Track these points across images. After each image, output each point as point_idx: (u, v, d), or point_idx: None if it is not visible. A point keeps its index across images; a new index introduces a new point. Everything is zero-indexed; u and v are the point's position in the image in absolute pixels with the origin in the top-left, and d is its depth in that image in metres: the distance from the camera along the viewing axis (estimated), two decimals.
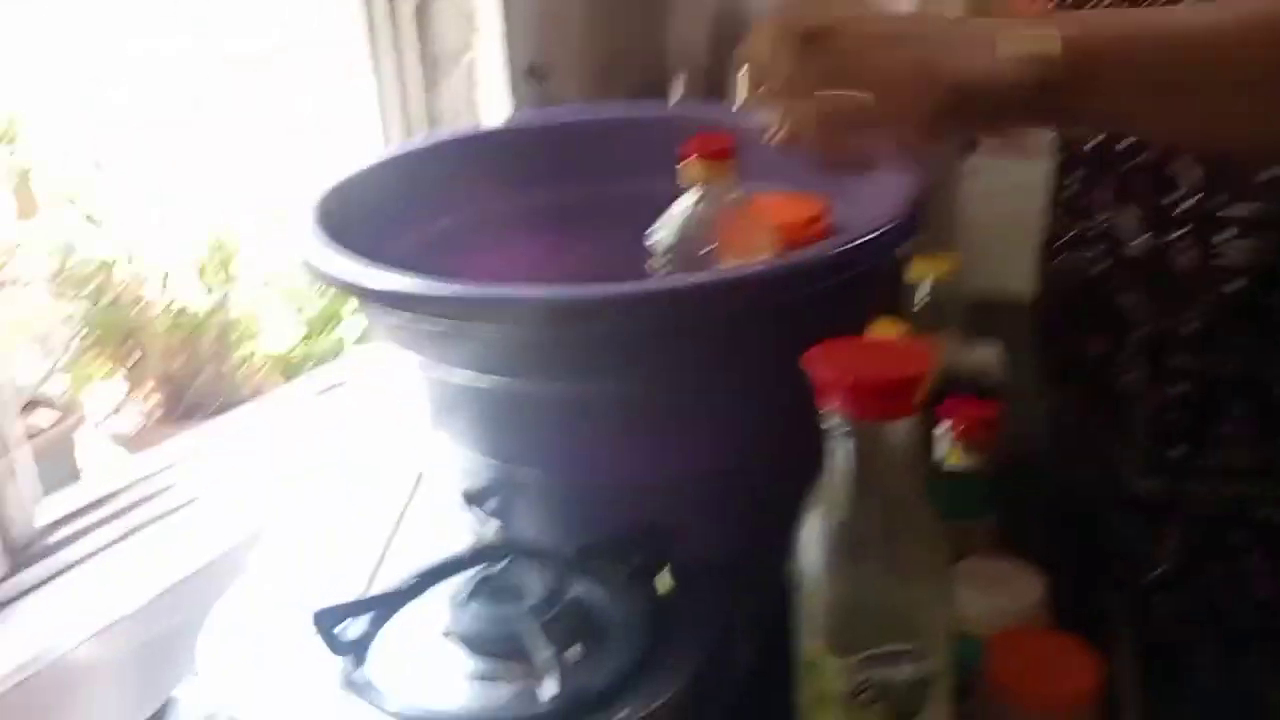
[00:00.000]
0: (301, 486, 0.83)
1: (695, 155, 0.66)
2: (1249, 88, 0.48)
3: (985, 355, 1.15)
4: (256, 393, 1.32)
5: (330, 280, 0.61)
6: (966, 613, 0.61)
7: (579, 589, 0.62)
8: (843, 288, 0.62)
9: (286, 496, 0.81)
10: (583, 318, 0.55)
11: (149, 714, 0.65)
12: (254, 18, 1.25)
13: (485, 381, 0.61)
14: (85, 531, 0.72)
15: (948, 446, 0.92)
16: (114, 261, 1.08)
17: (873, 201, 0.76)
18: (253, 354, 1.30)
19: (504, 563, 0.61)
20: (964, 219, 1.52)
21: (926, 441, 0.94)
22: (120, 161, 1.13)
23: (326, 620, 0.56)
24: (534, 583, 0.60)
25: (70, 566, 0.69)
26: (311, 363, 1.29)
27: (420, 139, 0.89)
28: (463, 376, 0.62)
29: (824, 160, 0.61)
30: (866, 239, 0.60)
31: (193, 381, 1.20)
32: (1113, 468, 0.71)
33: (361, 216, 0.76)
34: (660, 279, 0.59)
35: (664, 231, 0.68)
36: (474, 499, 0.69)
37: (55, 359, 1.11)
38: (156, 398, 1.19)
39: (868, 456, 0.46)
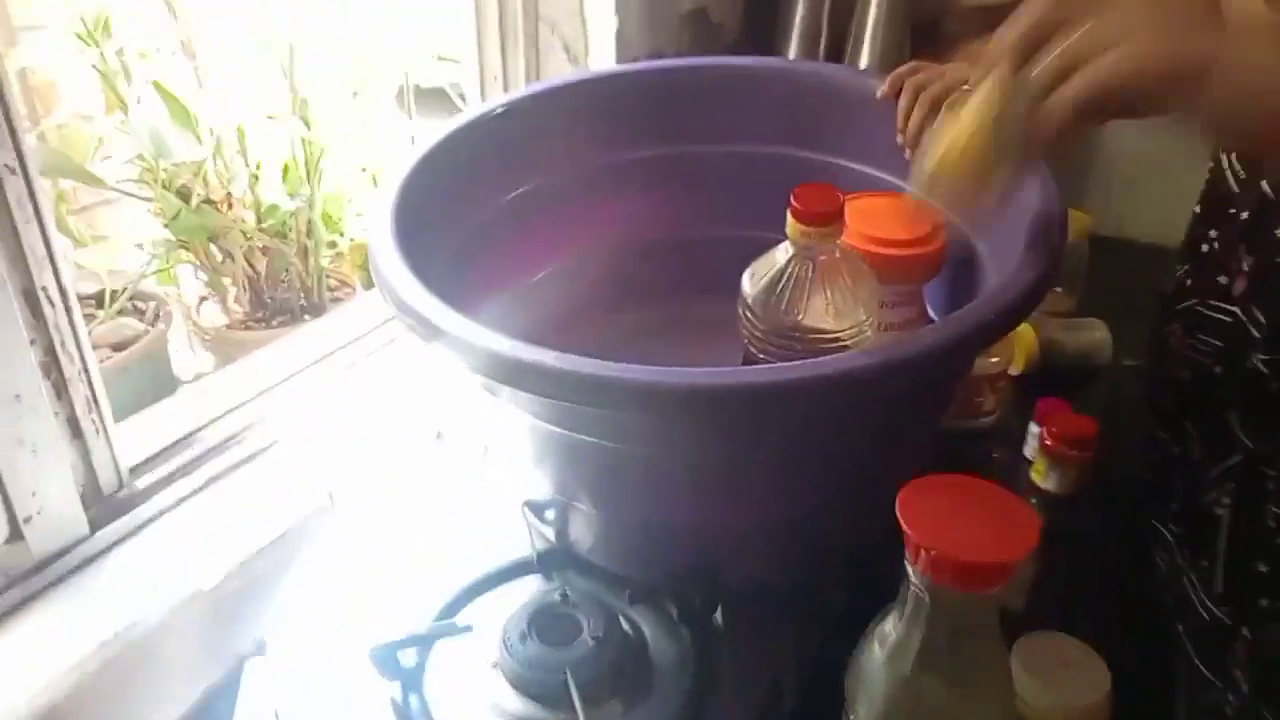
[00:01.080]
0: (373, 440, 0.84)
1: (796, 217, 0.60)
2: None
3: (1093, 335, 1.09)
4: (342, 284, 1.33)
5: (411, 320, 0.57)
6: (1026, 699, 0.60)
7: (631, 629, 0.62)
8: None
9: (359, 450, 0.82)
10: (707, 407, 0.51)
11: (219, 675, 0.69)
12: None
13: (561, 431, 0.59)
14: (168, 481, 0.75)
15: (1035, 454, 0.88)
16: (204, 161, 1.07)
17: (998, 215, 0.70)
18: (335, 244, 1.30)
19: (558, 596, 0.61)
20: (1105, 154, 1.41)
21: (1016, 437, 0.91)
22: (211, 52, 1.10)
23: (381, 654, 0.57)
24: (586, 620, 0.60)
25: (150, 521, 0.72)
26: None
27: (506, 96, 0.84)
28: (532, 418, 0.60)
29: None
30: (1014, 306, 0.55)
31: (277, 281, 1.21)
32: (1185, 574, 0.66)
33: (445, 186, 0.73)
34: (800, 367, 0.52)
35: (755, 285, 0.63)
36: (535, 508, 0.69)
37: (146, 259, 1.13)
38: (240, 297, 1.21)
39: (945, 617, 0.44)
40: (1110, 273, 1.18)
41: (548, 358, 0.51)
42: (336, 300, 1.28)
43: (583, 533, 0.66)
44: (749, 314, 0.63)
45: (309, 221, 1.19)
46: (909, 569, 0.45)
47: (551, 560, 0.67)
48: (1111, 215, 1.30)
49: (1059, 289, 1.13)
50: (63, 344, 0.66)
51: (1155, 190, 1.15)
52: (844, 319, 0.61)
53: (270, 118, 1.12)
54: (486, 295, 0.74)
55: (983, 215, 0.74)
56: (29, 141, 0.61)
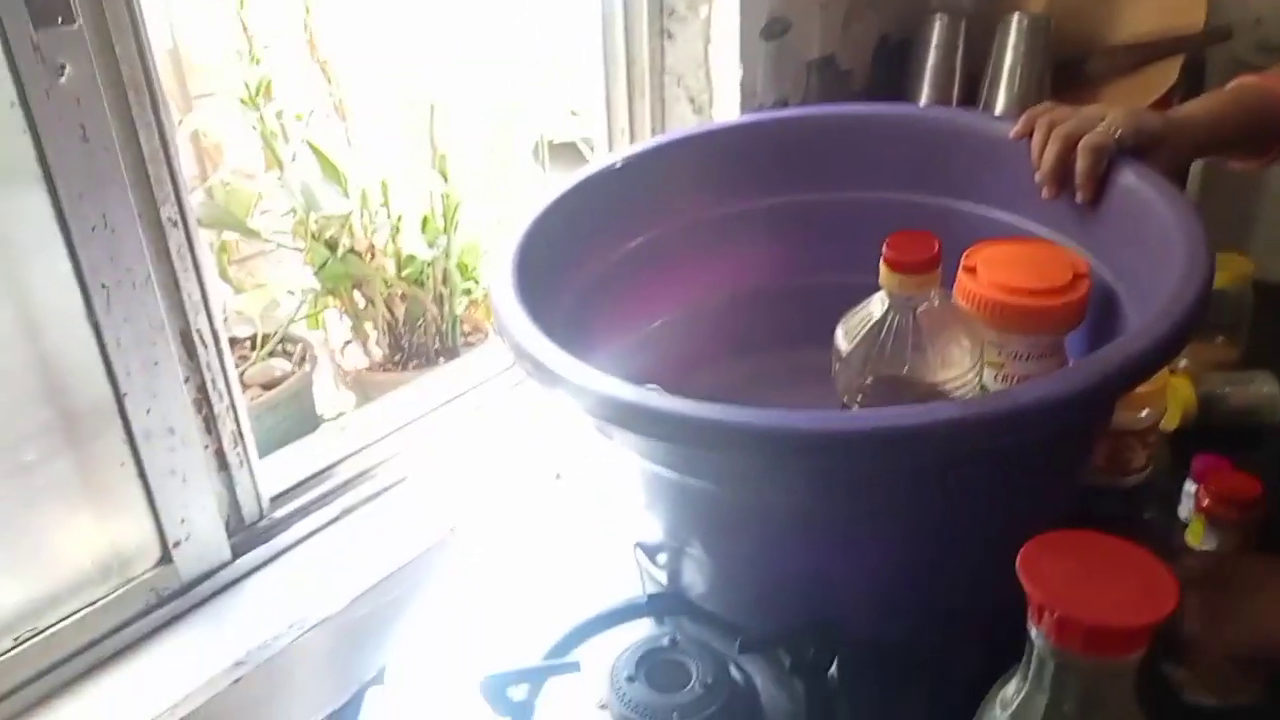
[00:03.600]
0: (496, 478, 0.86)
1: (891, 266, 0.58)
2: None
3: (1259, 389, 1.00)
4: (475, 329, 1.38)
5: (527, 363, 0.59)
6: None
7: (742, 678, 0.61)
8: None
9: (482, 488, 0.85)
10: (807, 451, 0.50)
11: (341, 701, 0.72)
12: None
13: (672, 475, 0.59)
14: (305, 511, 0.79)
15: (1190, 513, 0.82)
16: (350, 214, 1.15)
17: (1142, 260, 0.67)
18: (470, 291, 1.35)
19: (668, 640, 0.61)
20: (1269, 195, 1.31)
21: (1170, 496, 0.85)
22: (360, 112, 1.18)
23: (491, 687, 0.58)
24: (696, 666, 0.59)
25: (287, 549, 0.76)
26: None
27: (625, 151, 0.86)
28: (644, 461, 0.61)
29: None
30: (1155, 349, 0.52)
31: (414, 327, 1.27)
32: None
33: (566, 236, 0.75)
34: (927, 410, 0.51)
35: (851, 338, 0.61)
36: (647, 551, 0.69)
37: (296, 305, 1.21)
38: (380, 340, 1.27)
39: (1073, 685, 0.41)
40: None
41: (654, 400, 0.52)
42: (469, 345, 1.33)
43: (694, 578, 0.66)
44: (845, 367, 0.61)
45: (445, 270, 1.25)
46: (1031, 631, 0.42)
47: (662, 604, 0.66)
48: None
49: (1220, 339, 1.05)
50: (213, 382, 0.71)
51: None
52: (948, 369, 0.59)
53: (412, 173, 1.18)
54: (606, 341, 0.76)
55: (1127, 260, 0.70)
56: (196, 198, 0.67)
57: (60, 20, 0.57)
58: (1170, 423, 0.96)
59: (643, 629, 0.66)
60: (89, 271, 0.61)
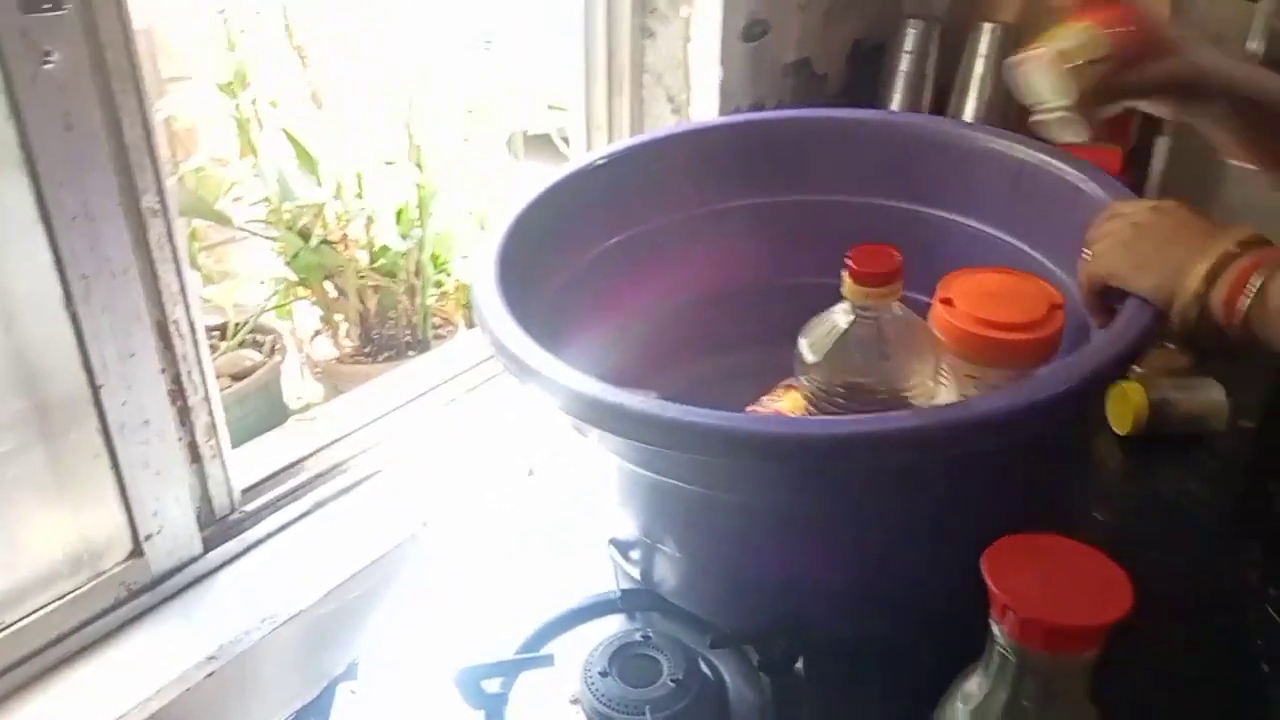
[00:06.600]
0: (468, 473, 0.87)
1: (853, 277, 0.60)
2: None
3: (1208, 397, 1.03)
4: (445, 322, 1.38)
5: (507, 359, 0.60)
6: None
7: (712, 674, 0.62)
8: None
9: (454, 482, 0.85)
10: (773, 455, 0.52)
11: (312, 695, 0.72)
12: None
13: (647, 474, 0.60)
14: (276, 505, 0.79)
15: None
16: (324, 203, 1.14)
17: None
18: (441, 284, 1.35)
19: (640, 636, 0.62)
20: (1222, 206, 1.35)
21: (1122, 500, 0.88)
22: (336, 101, 1.17)
23: (466, 680, 0.59)
24: (667, 662, 0.61)
25: (258, 543, 0.76)
26: None
27: (607, 148, 0.86)
28: (619, 459, 0.62)
29: None
30: (1106, 367, 0.54)
31: (385, 318, 1.26)
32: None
33: (547, 232, 0.76)
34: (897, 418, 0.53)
35: (815, 347, 0.62)
36: (620, 547, 0.70)
37: (267, 295, 1.20)
38: (351, 332, 1.27)
39: (1032, 679, 0.43)
40: None
41: (632, 401, 0.53)
42: (440, 338, 1.33)
43: (667, 575, 0.67)
44: (812, 375, 0.63)
45: (418, 262, 1.25)
46: (994, 629, 0.44)
47: (635, 600, 0.67)
48: None
49: (1171, 346, 1.08)
50: (189, 374, 0.71)
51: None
52: (912, 377, 0.60)
53: (388, 163, 1.18)
54: (584, 336, 0.76)
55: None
56: (169, 185, 0.67)
57: (49, 6, 0.56)
58: (1122, 427, 1.00)
59: (615, 624, 0.67)
60: (69, 261, 0.60)
